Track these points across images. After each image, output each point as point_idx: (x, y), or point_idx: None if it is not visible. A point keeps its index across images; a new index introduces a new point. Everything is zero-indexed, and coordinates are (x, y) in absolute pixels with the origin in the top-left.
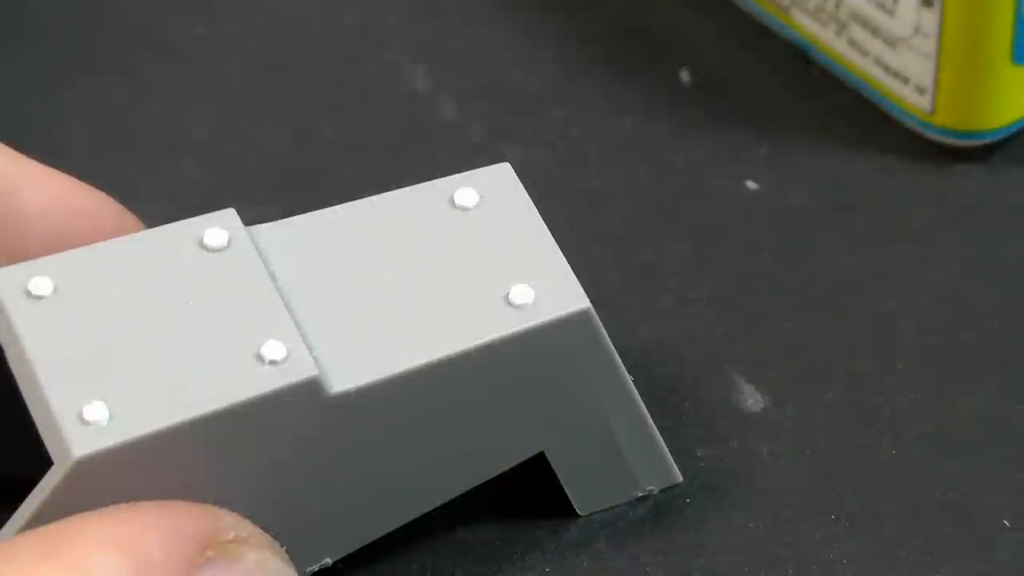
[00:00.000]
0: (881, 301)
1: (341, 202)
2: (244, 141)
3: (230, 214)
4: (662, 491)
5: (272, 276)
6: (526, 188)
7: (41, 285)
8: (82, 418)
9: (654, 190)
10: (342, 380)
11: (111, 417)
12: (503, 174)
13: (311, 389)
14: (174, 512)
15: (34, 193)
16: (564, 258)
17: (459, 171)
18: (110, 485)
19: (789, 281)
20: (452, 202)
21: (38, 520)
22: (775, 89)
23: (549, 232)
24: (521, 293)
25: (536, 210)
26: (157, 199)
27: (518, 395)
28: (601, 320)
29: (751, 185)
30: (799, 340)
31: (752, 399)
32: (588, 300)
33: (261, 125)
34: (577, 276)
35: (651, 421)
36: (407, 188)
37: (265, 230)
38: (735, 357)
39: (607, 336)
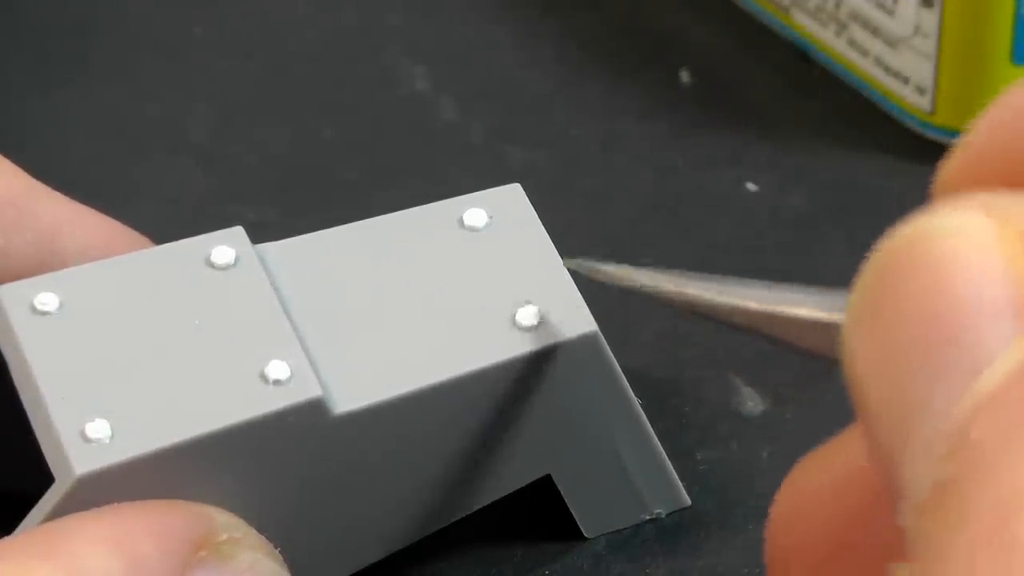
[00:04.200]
0: None
1: (341, 202)
2: (244, 141)
3: (238, 232)
4: (669, 514)
5: (278, 295)
6: (526, 189)
7: (47, 301)
8: (84, 435)
9: (654, 190)
10: (346, 401)
11: (113, 435)
12: (513, 195)
13: (315, 409)
14: (168, 512)
15: (75, 234)
16: (572, 280)
17: (459, 172)
18: (112, 502)
19: (789, 281)
20: (461, 222)
21: None
22: (775, 89)
23: (558, 254)
24: (528, 315)
25: (545, 231)
26: (157, 199)
27: (523, 417)
28: (601, 321)
29: (751, 186)
30: None
31: (752, 402)
32: (595, 323)
33: (261, 125)
34: (577, 277)
35: (658, 444)
36: (416, 208)
37: (273, 248)
38: (735, 359)
39: (614, 359)
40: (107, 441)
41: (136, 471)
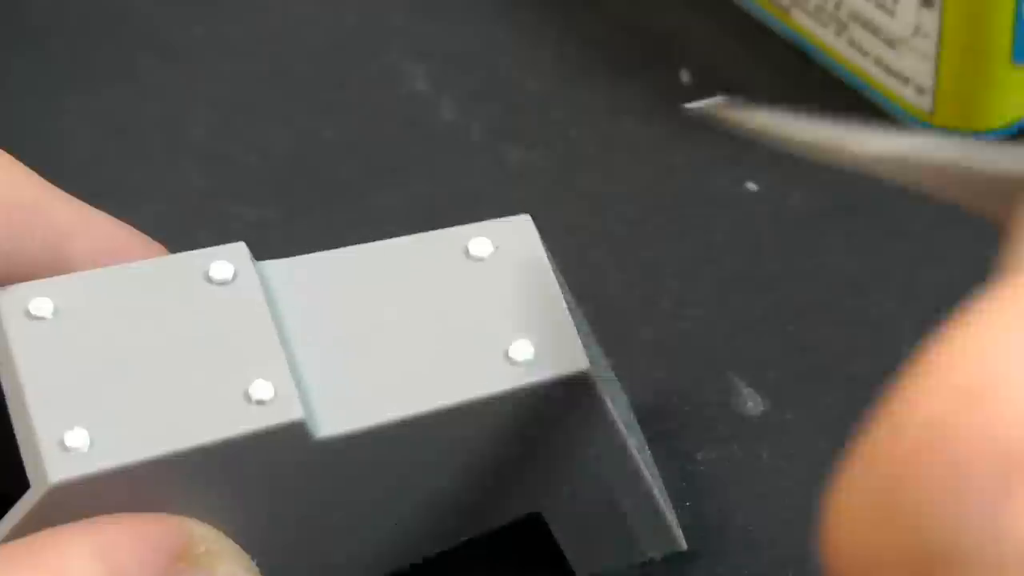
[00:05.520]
0: (881, 302)
1: (341, 202)
2: (244, 141)
3: (239, 248)
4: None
5: (275, 314)
6: (526, 188)
7: (42, 306)
8: (63, 443)
9: (654, 190)
10: (330, 425)
11: (91, 444)
12: (522, 226)
13: (296, 432)
14: (146, 523)
15: (85, 240)
16: (571, 317)
17: (459, 172)
18: (86, 511)
19: (789, 282)
20: (466, 251)
21: (12, 540)
22: (775, 89)
23: (559, 289)
24: (521, 349)
25: (550, 265)
26: (157, 199)
27: (512, 452)
28: (601, 321)
29: (751, 186)
30: (799, 342)
31: (752, 402)
32: (588, 361)
33: (261, 125)
34: (577, 277)
35: (652, 485)
36: (424, 234)
37: (274, 266)
38: (735, 359)
39: (607, 399)
40: (85, 450)
41: (112, 482)
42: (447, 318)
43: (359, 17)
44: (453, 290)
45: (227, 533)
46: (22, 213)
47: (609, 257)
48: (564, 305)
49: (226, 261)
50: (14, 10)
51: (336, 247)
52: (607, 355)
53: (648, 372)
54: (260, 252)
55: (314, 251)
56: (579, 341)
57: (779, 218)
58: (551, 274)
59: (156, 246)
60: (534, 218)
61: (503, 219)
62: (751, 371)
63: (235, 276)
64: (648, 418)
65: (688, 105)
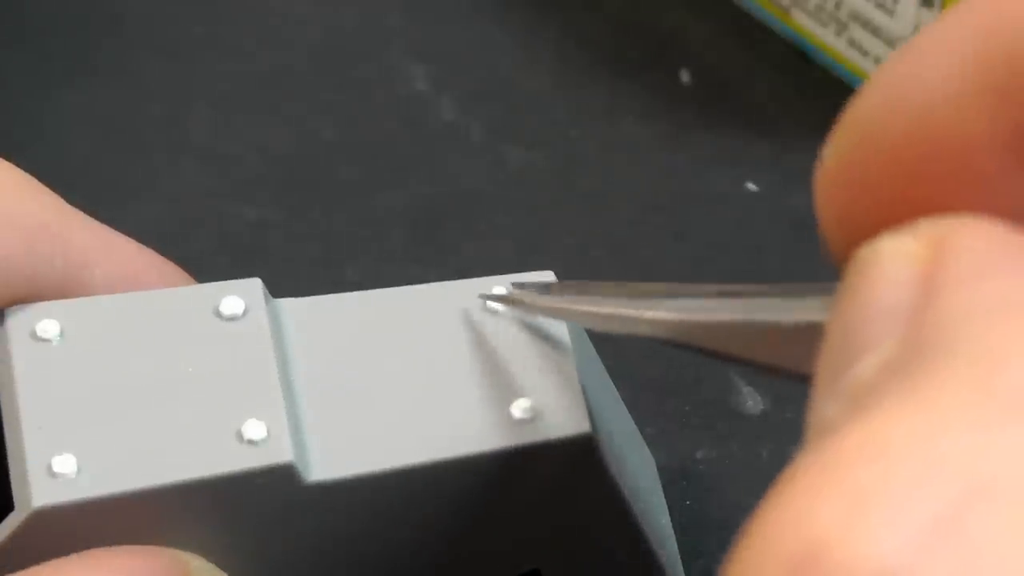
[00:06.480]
0: None
1: (341, 202)
2: (244, 141)
3: (254, 284)
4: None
5: (279, 354)
6: (526, 188)
7: (48, 328)
8: (50, 468)
9: (654, 190)
10: (322, 470)
11: (79, 471)
12: (544, 280)
13: (285, 475)
14: (146, 557)
15: (105, 265)
16: (578, 378)
17: (459, 172)
18: (70, 536)
19: (787, 282)
20: (484, 303)
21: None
22: (775, 89)
23: (571, 349)
24: (523, 408)
25: (565, 325)
26: (157, 199)
27: (511, 508)
28: None
29: (751, 186)
30: None
31: (752, 401)
32: (589, 424)
33: (261, 125)
34: (577, 276)
35: (655, 547)
36: (445, 282)
37: (288, 304)
38: None
39: (610, 462)
40: (72, 477)
41: (98, 510)
42: (455, 370)
43: (359, 17)
44: (465, 342)
45: (220, 568)
46: (44, 236)
47: (609, 257)
48: (573, 365)
49: (238, 297)
50: (13, 9)
51: (336, 247)
52: (606, 355)
53: (648, 371)
54: (260, 252)
55: (314, 251)
56: (584, 403)
57: (779, 218)
58: (565, 333)
59: (178, 272)
60: (534, 218)
61: (527, 273)
62: (751, 370)
63: (245, 312)
64: (648, 418)
65: (483, 295)
